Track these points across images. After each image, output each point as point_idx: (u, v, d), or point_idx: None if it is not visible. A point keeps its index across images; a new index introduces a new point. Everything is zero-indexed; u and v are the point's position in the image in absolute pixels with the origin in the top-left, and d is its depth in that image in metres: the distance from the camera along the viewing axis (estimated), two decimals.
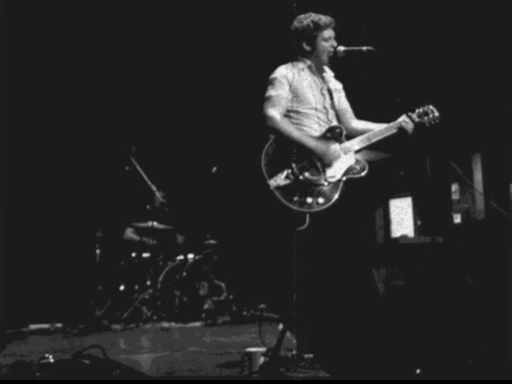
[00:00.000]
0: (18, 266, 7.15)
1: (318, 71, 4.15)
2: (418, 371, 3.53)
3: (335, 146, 3.92)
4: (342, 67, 4.14)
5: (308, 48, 4.09)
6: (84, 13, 7.61)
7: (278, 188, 3.70)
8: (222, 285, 7.72)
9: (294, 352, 4.26)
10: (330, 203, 3.74)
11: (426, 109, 4.08)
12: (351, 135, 4.07)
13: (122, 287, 7.55)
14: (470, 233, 4.87)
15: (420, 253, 4.36)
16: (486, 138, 5.20)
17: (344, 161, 3.90)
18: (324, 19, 4.06)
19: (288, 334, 4.10)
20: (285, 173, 3.75)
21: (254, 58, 7.42)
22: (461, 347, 3.70)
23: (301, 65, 4.11)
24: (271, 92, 3.96)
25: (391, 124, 4.04)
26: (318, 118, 4.02)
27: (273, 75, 4.04)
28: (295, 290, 4.05)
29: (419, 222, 5.23)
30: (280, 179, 3.73)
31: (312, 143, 3.86)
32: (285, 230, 3.95)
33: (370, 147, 4.04)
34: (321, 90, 4.11)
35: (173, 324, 7.13)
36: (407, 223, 5.29)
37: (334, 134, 3.97)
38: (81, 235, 7.88)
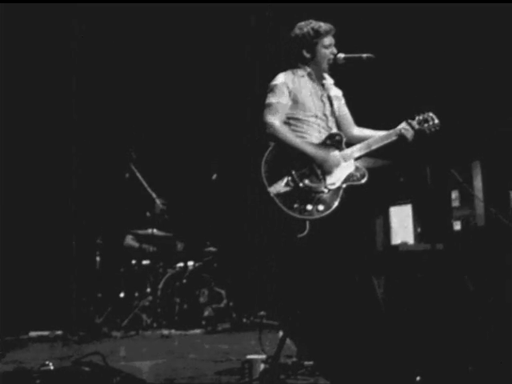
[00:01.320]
0: (18, 272, 7.15)
1: (318, 78, 4.15)
2: (418, 378, 3.53)
3: (335, 153, 3.92)
4: (342, 74, 4.15)
5: (308, 55, 4.10)
6: (84, 21, 7.63)
7: (278, 195, 3.70)
8: (222, 292, 7.71)
9: (294, 359, 4.26)
10: (330, 210, 3.74)
11: (425, 116, 4.09)
12: (351, 142, 4.08)
13: (121, 294, 7.54)
14: (470, 240, 4.88)
15: (420, 260, 4.36)
16: (486, 145, 5.21)
17: (344, 168, 3.90)
18: (324, 26, 4.07)
19: (288, 341, 4.09)
20: (285, 180, 3.75)
21: (254, 65, 7.44)
22: (461, 354, 3.69)
23: (301, 72, 4.12)
24: (271, 99, 3.97)
25: (391, 131, 4.05)
26: (318, 125, 4.03)
27: (273, 82, 4.05)
28: (295, 297, 4.05)
29: (419, 229, 5.23)
30: (280, 186, 3.73)
31: (312, 150, 3.86)
32: (285, 238, 3.96)
33: (370, 154, 4.04)
34: (321, 97, 4.12)
35: (173, 331, 7.11)
36: (407, 230, 5.29)
37: (334, 141, 3.98)
38: (81, 242, 7.87)
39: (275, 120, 3.88)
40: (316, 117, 4.03)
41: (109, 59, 8.02)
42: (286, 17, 4.65)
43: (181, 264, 7.84)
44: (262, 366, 4.00)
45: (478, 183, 4.89)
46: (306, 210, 3.71)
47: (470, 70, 6.01)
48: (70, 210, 7.88)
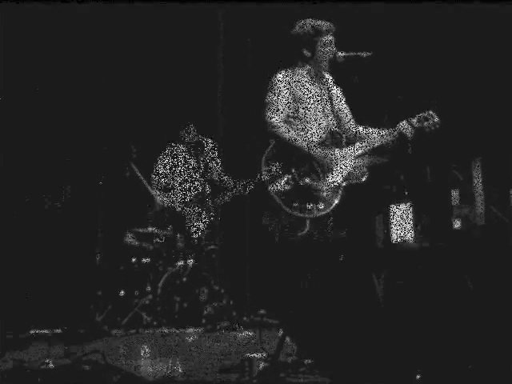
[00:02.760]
0: (18, 270, 7.14)
1: (317, 76, 4.15)
2: (418, 376, 3.52)
3: (335, 152, 3.92)
4: (342, 72, 4.15)
5: (308, 53, 4.10)
6: (82, 15, 7.63)
7: (278, 193, 3.71)
8: (222, 290, 7.71)
9: (294, 357, 4.26)
10: (330, 209, 3.74)
11: (425, 114, 4.09)
12: (351, 140, 4.07)
13: (121, 292, 7.53)
14: (470, 238, 4.87)
15: (420, 258, 4.36)
16: (487, 144, 5.21)
17: (344, 166, 3.90)
18: (324, 25, 4.07)
19: (288, 339, 4.09)
20: (285, 178, 3.75)
21: (255, 62, 7.43)
22: (461, 352, 3.69)
23: (301, 70, 4.12)
24: (271, 97, 3.97)
25: (391, 129, 4.05)
26: (318, 123, 4.03)
27: (273, 80, 4.04)
28: (295, 295, 4.05)
29: (419, 228, 5.24)
30: (280, 185, 3.73)
31: (312, 148, 3.86)
32: (285, 236, 3.95)
33: (370, 152, 4.04)
34: (321, 95, 4.12)
35: (173, 329, 7.11)
36: (407, 228, 5.29)
37: (334, 140, 3.97)
38: (80, 240, 7.87)
39: (275, 118, 3.89)
40: (316, 115, 4.03)
41: (108, 55, 8.02)
42: (286, 15, 4.63)
43: (181, 262, 7.83)
44: (262, 365, 3.99)
45: (478, 181, 4.89)
46: (306, 209, 3.71)
47: (470, 67, 6.00)
48: (70, 207, 7.87)
